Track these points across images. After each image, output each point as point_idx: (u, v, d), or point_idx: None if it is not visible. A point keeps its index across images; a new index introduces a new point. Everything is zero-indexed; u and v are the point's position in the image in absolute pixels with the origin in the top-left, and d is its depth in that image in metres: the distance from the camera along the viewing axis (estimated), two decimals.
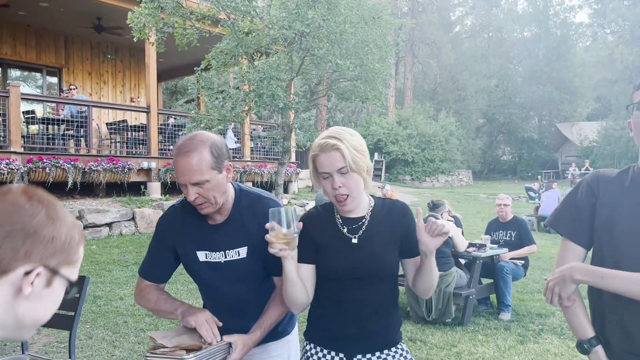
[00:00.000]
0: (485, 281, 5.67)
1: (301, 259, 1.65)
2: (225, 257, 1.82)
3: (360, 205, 1.69)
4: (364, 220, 1.69)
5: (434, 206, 5.40)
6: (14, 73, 13.88)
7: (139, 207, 10.06)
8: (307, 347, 1.75)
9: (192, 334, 1.72)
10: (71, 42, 13.58)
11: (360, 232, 1.68)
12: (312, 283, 1.68)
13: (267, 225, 1.51)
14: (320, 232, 1.69)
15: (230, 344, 1.71)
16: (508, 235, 5.64)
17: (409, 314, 5.03)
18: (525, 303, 5.92)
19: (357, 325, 1.65)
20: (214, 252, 1.83)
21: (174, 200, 11.28)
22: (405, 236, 1.68)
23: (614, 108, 32.48)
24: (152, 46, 9.15)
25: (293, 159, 15.56)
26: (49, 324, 3.02)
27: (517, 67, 40.39)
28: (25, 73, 14.11)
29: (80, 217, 9.10)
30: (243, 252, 1.81)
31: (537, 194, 15.05)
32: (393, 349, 1.70)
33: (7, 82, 11.49)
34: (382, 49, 8.61)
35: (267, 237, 1.51)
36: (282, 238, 1.50)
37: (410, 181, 24.99)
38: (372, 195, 1.77)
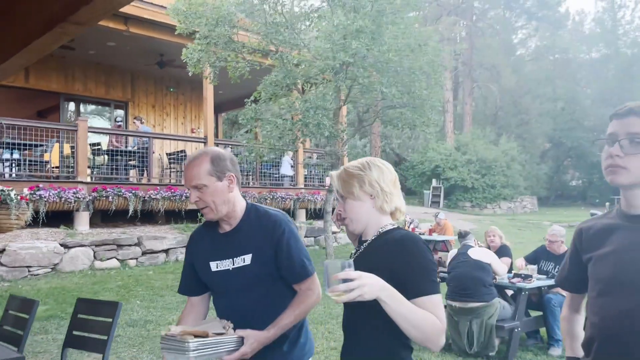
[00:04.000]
0: (535, 314, 5.41)
1: None
2: (233, 264, 1.95)
3: (368, 229, 1.67)
4: (364, 245, 1.68)
5: (462, 235, 5.31)
6: (88, 107, 14.89)
7: None
8: None
9: (212, 327, 1.82)
10: (136, 78, 14.41)
11: (355, 256, 1.70)
12: None
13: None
14: None
15: (242, 338, 1.80)
16: (556, 269, 5.36)
17: (450, 346, 4.89)
18: None
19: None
20: (223, 260, 1.97)
21: None
22: (395, 275, 1.49)
23: None
24: (206, 80, 9.58)
25: None
26: (82, 347, 3.18)
27: (585, 89, 38.80)
28: (99, 107, 15.05)
29: (139, 244, 9.52)
30: (248, 259, 1.93)
31: None
32: None
33: (77, 116, 12.34)
34: (430, 76, 8.59)
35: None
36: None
37: (470, 208, 24.31)
38: (397, 225, 1.69)
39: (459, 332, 4.70)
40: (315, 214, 13.44)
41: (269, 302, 1.94)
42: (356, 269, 1.52)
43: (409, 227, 11.35)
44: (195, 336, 1.71)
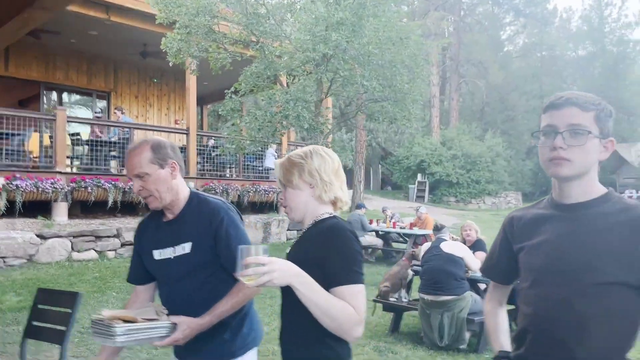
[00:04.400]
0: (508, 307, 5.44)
1: None
2: (174, 253, 1.95)
3: (306, 218, 1.67)
4: (301, 233, 1.70)
5: (438, 229, 5.34)
6: (72, 97, 14.70)
7: None
8: None
9: (144, 312, 1.82)
10: (119, 68, 14.24)
11: (293, 244, 1.71)
12: None
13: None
14: None
15: (175, 324, 1.79)
16: None
17: (422, 339, 4.91)
18: None
19: None
20: (165, 249, 1.97)
21: None
22: (320, 263, 1.50)
23: None
24: (187, 70, 9.48)
25: None
26: (41, 337, 3.13)
27: (572, 86, 39.05)
28: (84, 97, 14.83)
29: (118, 235, 9.44)
30: (188, 247, 1.93)
31: None
32: None
33: (57, 106, 12.17)
34: (412, 70, 8.57)
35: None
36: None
37: (455, 203, 24.45)
38: (333, 214, 1.66)
39: (431, 325, 4.71)
40: None
41: (210, 291, 1.92)
42: (290, 256, 1.54)
43: (390, 221, 11.36)
44: (125, 321, 1.68)
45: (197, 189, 8.73)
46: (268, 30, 8.01)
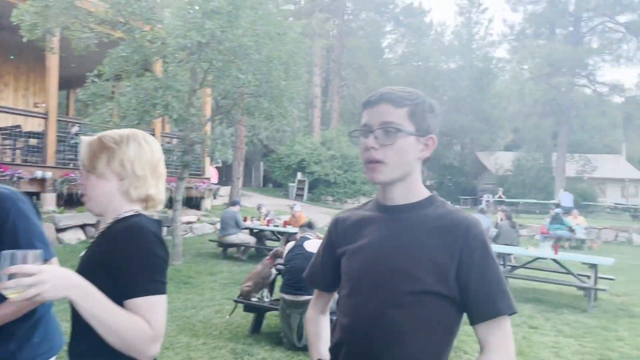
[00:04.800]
0: None
1: None
2: None
3: (108, 214, 1.43)
4: (99, 232, 1.44)
5: (308, 226, 5.31)
6: None
7: None
8: None
9: None
10: None
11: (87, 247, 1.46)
12: None
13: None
14: None
15: None
16: None
17: (281, 340, 4.83)
18: None
19: None
20: None
21: (68, 214, 10.59)
22: (113, 271, 1.29)
23: (527, 140, 34.37)
24: (46, 48, 8.59)
25: (208, 174, 15.16)
26: None
27: (443, 96, 41.90)
28: None
29: None
30: None
31: None
32: None
33: None
34: (290, 67, 8.50)
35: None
36: None
37: (332, 202, 25.07)
38: (137, 212, 1.43)
39: (290, 326, 4.64)
40: (169, 202, 12.81)
41: None
42: (82, 260, 1.31)
43: (265, 219, 11.27)
44: None
45: (55, 179, 7.93)
46: (137, 12, 7.47)
